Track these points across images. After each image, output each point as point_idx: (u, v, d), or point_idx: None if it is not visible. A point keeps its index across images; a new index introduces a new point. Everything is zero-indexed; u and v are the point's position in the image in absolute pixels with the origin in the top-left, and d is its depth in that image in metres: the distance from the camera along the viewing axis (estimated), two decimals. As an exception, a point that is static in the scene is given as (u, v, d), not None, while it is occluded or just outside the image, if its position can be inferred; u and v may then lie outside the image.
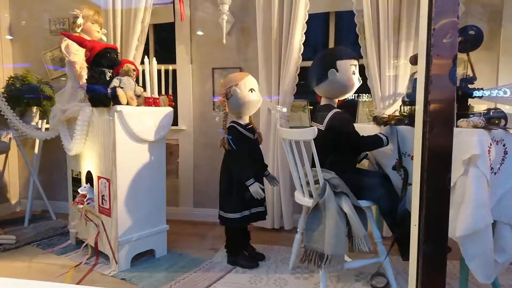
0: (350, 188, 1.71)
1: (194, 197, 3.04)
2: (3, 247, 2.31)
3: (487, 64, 2.43)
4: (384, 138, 1.83)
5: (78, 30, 2.39)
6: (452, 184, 1.38)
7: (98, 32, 2.46)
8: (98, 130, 2.10)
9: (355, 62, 1.92)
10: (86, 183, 2.22)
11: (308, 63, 2.06)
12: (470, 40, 1.67)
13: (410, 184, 1.67)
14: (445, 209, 0.98)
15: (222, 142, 2.01)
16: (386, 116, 2.02)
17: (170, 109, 2.24)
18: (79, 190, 2.19)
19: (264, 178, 2.16)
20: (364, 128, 2.07)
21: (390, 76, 2.43)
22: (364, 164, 2.20)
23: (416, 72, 1.87)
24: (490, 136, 1.40)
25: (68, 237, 2.47)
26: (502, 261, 1.49)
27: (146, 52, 2.86)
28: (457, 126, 1.50)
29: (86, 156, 2.22)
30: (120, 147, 1.99)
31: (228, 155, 2.05)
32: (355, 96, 2.82)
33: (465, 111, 1.62)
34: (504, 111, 1.53)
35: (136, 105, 2.05)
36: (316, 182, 1.76)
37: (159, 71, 2.25)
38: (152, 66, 2.17)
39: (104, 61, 2.02)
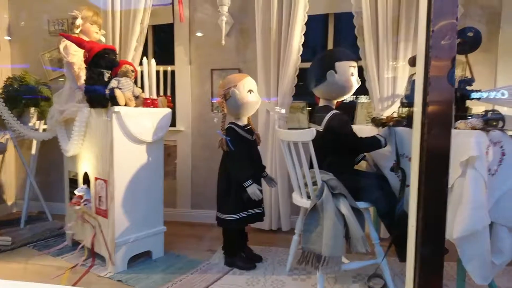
0: (348, 190, 1.71)
1: (192, 198, 3.03)
2: (-1, 248, 2.30)
3: (485, 66, 2.44)
4: (382, 139, 1.83)
5: (77, 31, 2.38)
6: (449, 186, 1.38)
7: (97, 33, 2.46)
8: (95, 131, 2.09)
9: (354, 63, 1.93)
10: (83, 184, 2.21)
11: (307, 65, 2.06)
12: (469, 42, 1.67)
13: (408, 186, 1.67)
14: (442, 211, 0.98)
15: (221, 143, 2.01)
16: (385, 117, 2.02)
17: (168, 110, 2.24)
18: (75, 191, 2.18)
19: (262, 179, 2.16)
20: (362, 129, 2.08)
21: (388, 78, 2.43)
22: (362, 165, 2.20)
23: (415, 73, 1.88)
24: (488, 137, 1.40)
25: (64, 238, 2.45)
26: (499, 262, 1.49)
27: (145, 53, 2.86)
28: (455, 128, 1.50)
29: (84, 157, 2.21)
30: (118, 148, 1.98)
31: (226, 156, 2.04)
32: (353, 97, 2.82)
33: (463, 113, 1.62)
34: (502, 113, 1.54)
35: (134, 106, 2.05)
36: (314, 183, 1.76)
37: (157, 72, 2.25)
38: (150, 67, 2.17)
39: (102, 62, 2.02)
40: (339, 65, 1.87)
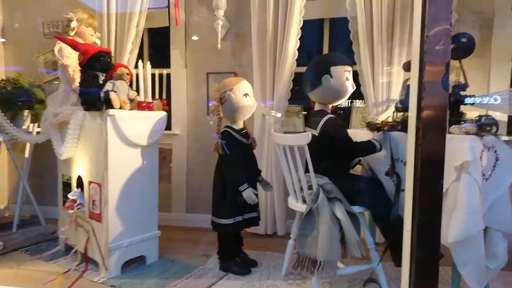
0: (344, 194, 1.71)
1: (187, 202, 3.02)
2: (-10, 253, 2.26)
3: (479, 71, 2.47)
4: (377, 144, 1.83)
5: (72, 33, 2.37)
6: (444, 190, 1.39)
7: (92, 35, 2.45)
8: (90, 134, 2.08)
9: (349, 68, 1.94)
10: (77, 188, 2.19)
11: (303, 69, 2.07)
12: (462, 47, 1.69)
13: (403, 190, 1.67)
14: (437, 215, 0.98)
15: (216, 147, 2.00)
16: (379, 122, 2.03)
17: (164, 113, 2.23)
18: (69, 195, 2.15)
19: (258, 183, 2.15)
20: (357, 134, 2.08)
21: (383, 83, 2.45)
22: (358, 169, 2.20)
23: (409, 78, 1.89)
24: (482, 142, 1.41)
25: (57, 243, 2.42)
26: (494, 267, 1.49)
27: (140, 56, 2.86)
28: (449, 133, 1.51)
29: (78, 160, 2.19)
30: (112, 151, 1.96)
31: (221, 160, 2.04)
32: (348, 102, 2.83)
33: (457, 118, 1.64)
34: (495, 118, 1.55)
35: (129, 109, 2.03)
36: (310, 187, 1.75)
37: (153, 75, 2.24)
38: (146, 70, 2.16)
39: (97, 64, 2.01)
40: (334, 69, 1.88)
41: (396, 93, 2.43)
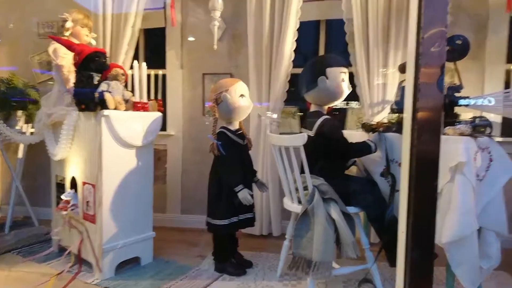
0: (339, 194, 1.71)
1: (182, 203, 3.01)
2: (-18, 255, 2.24)
3: (473, 73, 2.49)
4: (372, 145, 1.84)
5: (67, 34, 2.36)
6: (438, 191, 1.40)
7: (87, 36, 2.43)
8: (84, 135, 2.06)
9: (345, 69, 1.95)
10: (71, 189, 2.17)
11: (299, 70, 2.07)
12: (457, 49, 1.70)
13: (398, 191, 1.68)
14: (432, 216, 0.99)
15: (212, 147, 1.99)
16: (375, 123, 2.04)
17: (159, 114, 2.22)
18: (62, 196, 2.14)
19: (253, 184, 2.15)
20: (353, 135, 2.09)
21: (378, 84, 2.46)
22: (353, 170, 2.21)
23: (404, 80, 1.90)
24: (476, 143, 1.42)
25: (50, 244, 2.40)
26: (487, 267, 1.50)
27: (136, 56, 2.84)
28: (444, 134, 1.52)
29: (71, 161, 2.18)
30: (107, 152, 1.95)
31: (217, 161, 2.03)
32: (344, 103, 2.84)
33: (452, 119, 1.65)
34: (489, 120, 1.56)
35: (124, 110, 2.02)
36: (305, 188, 1.76)
37: (148, 76, 2.23)
38: (141, 71, 2.15)
39: (92, 65, 2.00)
40: (330, 71, 1.89)
41: (391, 95, 2.44)
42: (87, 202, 2.04)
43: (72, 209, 2.10)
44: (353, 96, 2.49)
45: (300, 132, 1.77)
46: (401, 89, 1.97)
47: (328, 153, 1.85)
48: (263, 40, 2.61)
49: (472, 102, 1.68)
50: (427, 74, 0.96)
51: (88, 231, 2.03)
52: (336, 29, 2.73)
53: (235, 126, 2.07)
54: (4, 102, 2.72)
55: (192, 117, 2.97)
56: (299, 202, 1.79)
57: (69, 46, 2.08)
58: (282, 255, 1.99)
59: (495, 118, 1.80)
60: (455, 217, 1.36)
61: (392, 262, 1.74)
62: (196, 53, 2.93)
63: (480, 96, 1.69)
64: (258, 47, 2.64)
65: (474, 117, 1.58)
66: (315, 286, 1.77)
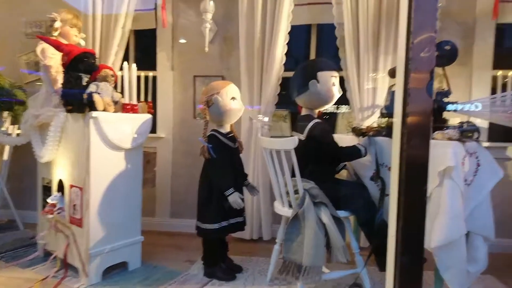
0: (329, 198, 1.72)
1: (171, 207, 2.97)
2: (-36, 259, 2.17)
3: (461, 78, 2.53)
4: (362, 149, 1.85)
5: (55, 34, 2.32)
6: (427, 195, 1.41)
7: (76, 36, 2.40)
8: (72, 136, 2.02)
9: (336, 74, 1.96)
10: (57, 192, 2.13)
11: (290, 74, 2.07)
12: (446, 55, 1.72)
13: (387, 195, 1.69)
14: (421, 220, 0.99)
15: (202, 150, 1.98)
16: (365, 127, 2.05)
17: (149, 116, 2.20)
18: (48, 199, 2.09)
19: (244, 187, 2.14)
20: (343, 138, 2.10)
21: (368, 89, 2.48)
22: (343, 174, 2.21)
23: (394, 85, 1.92)
24: (464, 148, 1.44)
25: (36, 248, 2.34)
26: (474, 271, 1.52)
27: (126, 58, 2.81)
28: (432, 138, 1.54)
29: (58, 163, 2.13)
30: (95, 154, 1.92)
31: (208, 164, 2.02)
32: (334, 107, 2.86)
33: (440, 124, 1.67)
34: (477, 125, 1.59)
35: (114, 112, 2.00)
36: (296, 192, 1.75)
37: (138, 78, 2.21)
38: (131, 72, 2.13)
39: (81, 65, 1.97)
40: (321, 75, 1.90)
41: (381, 99, 2.46)
42: (74, 205, 2.00)
43: (58, 213, 2.06)
44: (344, 100, 2.50)
45: (291, 136, 1.77)
46: (391, 94, 1.99)
47: (319, 156, 1.85)
48: (255, 43, 2.61)
49: (460, 107, 1.70)
50: (416, 79, 0.97)
51: (75, 235, 1.99)
52: (327, 34, 2.75)
53: (226, 129, 2.06)
54: (-10, 102, 2.66)
55: (183, 119, 2.95)
56: (290, 206, 1.78)
57: (58, 46, 2.05)
58: (272, 260, 1.98)
59: (482, 123, 1.83)
60: (443, 222, 1.37)
61: (382, 267, 1.74)
62: (187, 55, 2.91)
63: (468, 101, 1.72)
64: (250, 50, 2.63)
65: (462, 122, 1.60)
66: (305, 291, 1.77)
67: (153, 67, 2.95)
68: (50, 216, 2.06)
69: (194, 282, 1.99)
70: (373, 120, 2.45)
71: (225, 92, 1.97)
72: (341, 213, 1.73)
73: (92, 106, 1.89)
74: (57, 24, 2.30)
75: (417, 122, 0.97)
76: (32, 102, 2.38)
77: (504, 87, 2.44)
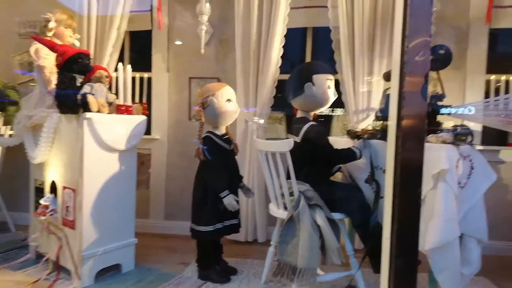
0: (324, 201, 1.72)
1: (166, 209, 2.96)
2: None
3: (455, 82, 2.56)
4: (357, 151, 1.85)
5: (50, 34, 2.30)
6: (421, 198, 1.42)
7: (71, 37, 2.38)
8: (65, 138, 2.00)
9: (331, 77, 1.96)
10: (50, 193, 2.11)
11: (286, 76, 2.08)
12: (440, 59, 1.74)
13: (382, 197, 1.70)
14: (416, 223, 1.00)
15: (197, 152, 1.97)
16: (360, 130, 2.06)
17: (143, 117, 2.19)
18: (41, 201, 2.07)
19: (239, 189, 2.13)
20: (338, 141, 2.10)
21: (363, 92, 2.49)
22: (338, 176, 2.22)
23: (389, 88, 1.93)
24: (458, 151, 1.45)
25: (27, 250, 2.31)
26: (468, 273, 1.53)
27: (121, 59, 2.80)
28: (426, 142, 1.55)
29: (51, 165, 2.11)
30: (88, 155, 1.90)
31: (203, 166, 2.01)
32: (330, 110, 2.87)
33: (434, 127, 1.68)
34: (470, 128, 1.60)
35: (108, 113, 1.98)
36: (291, 194, 1.75)
37: (133, 79, 2.20)
38: (126, 73, 2.12)
39: (75, 66, 1.96)
40: (316, 77, 1.90)
41: (376, 102, 2.47)
42: (67, 207, 1.98)
43: (51, 214, 2.03)
44: (339, 103, 2.51)
45: (287, 138, 1.77)
46: (386, 97, 2.00)
47: (314, 159, 1.86)
48: (251, 46, 2.61)
49: (453, 111, 1.71)
50: (411, 83, 0.97)
51: (68, 237, 1.97)
52: (323, 37, 2.76)
53: (221, 130, 2.06)
54: (-18, 103, 2.63)
55: (178, 121, 2.94)
56: (285, 208, 1.78)
57: (52, 46, 2.04)
58: (267, 262, 1.97)
59: (475, 126, 1.85)
60: (438, 224, 1.38)
61: (376, 269, 1.74)
62: (183, 56, 2.91)
63: (461, 105, 1.73)
64: (246, 52, 2.64)
65: (456, 126, 1.61)
66: (299, 293, 1.76)
67: (148, 68, 2.94)
68: (43, 218, 2.03)
69: (188, 285, 1.98)
70: (368, 123, 2.46)
71: (221, 94, 1.96)
72: (336, 215, 1.73)
73: (86, 107, 1.88)
74: (52, 24, 2.29)
75: (412, 125, 0.98)
76: (25, 102, 2.36)
77: (497, 91, 2.47)
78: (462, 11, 2.57)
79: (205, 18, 2.63)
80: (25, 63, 3.03)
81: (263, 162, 1.85)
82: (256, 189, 2.62)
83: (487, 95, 2.57)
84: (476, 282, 2.04)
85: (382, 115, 1.98)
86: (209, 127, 2.06)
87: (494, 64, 2.59)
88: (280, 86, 2.61)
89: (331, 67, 2.13)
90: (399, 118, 0.98)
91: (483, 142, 2.56)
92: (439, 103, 1.74)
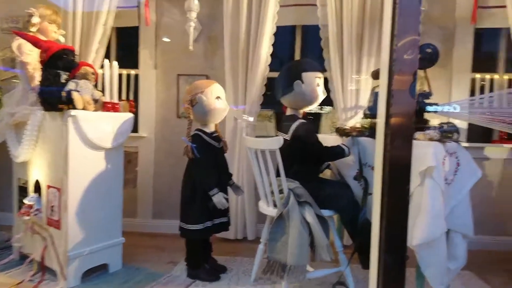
0: (313, 198, 1.72)
1: (154, 207, 2.92)
2: None
3: (441, 81, 2.60)
4: (346, 149, 1.87)
5: (33, 30, 2.24)
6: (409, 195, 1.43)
7: (55, 32, 2.32)
8: (49, 135, 1.95)
9: (320, 74, 1.97)
10: (34, 193, 2.05)
11: (275, 74, 2.08)
12: (427, 57, 1.76)
13: (370, 194, 1.71)
14: (404, 219, 1.01)
15: (186, 150, 1.95)
16: (348, 127, 2.07)
17: (130, 115, 2.15)
18: (25, 200, 2.01)
19: (229, 187, 2.12)
20: (327, 139, 2.11)
21: (352, 90, 2.51)
22: (327, 173, 2.23)
23: (377, 86, 1.95)
24: (445, 148, 1.48)
25: (11, 251, 2.25)
26: (454, 267, 1.56)
27: (107, 55, 2.75)
28: (414, 139, 1.56)
29: (35, 163, 2.06)
30: (73, 154, 1.86)
31: (191, 164, 1.99)
32: (318, 107, 2.88)
33: (421, 125, 1.70)
34: (456, 126, 1.63)
35: (94, 110, 1.94)
36: (281, 191, 1.75)
37: (120, 76, 2.16)
38: (112, 70, 2.08)
39: (60, 62, 1.92)
40: (305, 75, 1.90)
41: (364, 100, 2.49)
42: (52, 206, 1.93)
43: (35, 214, 1.98)
44: (327, 100, 2.53)
45: (276, 136, 1.77)
46: (374, 95, 2.02)
47: (304, 156, 1.86)
48: (240, 43, 2.59)
49: (440, 108, 1.74)
50: (400, 81, 0.98)
51: (53, 237, 1.92)
52: (312, 35, 2.77)
53: (210, 128, 2.04)
54: (-38, 100, 2.54)
55: (166, 118, 2.90)
56: (275, 205, 1.78)
57: (35, 42, 1.98)
58: (257, 259, 1.97)
59: (460, 124, 1.88)
60: (425, 220, 1.40)
61: (365, 264, 1.76)
62: (171, 53, 2.87)
63: (446, 103, 1.76)
64: (235, 49, 2.62)
65: (442, 123, 1.64)
66: (289, 290, 1.77)
67: (135, 65, 2.89)
68: (27, 217, 1.98)
69: (176, 284, 1.96)
70: (356, 120, 2.48)
71: (210, 91, 1.95)
72: (325, 212, 1.74)
73: (71, 104, 1.84)
74: (35, 19, 2.22)
75: (401, 123, 0.99)
76: (8, 99, 2.30)
77: (482, 90, 2.52)
78: (448, 11, 2.61)
79: (193, 14, 2.60)
80: (7, 59, 2.94)
81: (253, 160, 1.84)
82: (245, 187, 2.62)
83: (472, 93, 2.62)
84: (462, 276, 2.08)
85: (370, 113, 2.00)
86: (197, 125, 2.04)
87: (479, 63, 2.65)
88: (270, 84, 2.60)
89: (320, 65, 2.14)
90: (388, 116, 0.99)
91: (469, 139, 2.62)
92: (426, 101, 1.77)
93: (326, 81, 2.37)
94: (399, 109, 0.99)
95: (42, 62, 1.94)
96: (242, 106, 2.64)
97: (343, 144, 1.89)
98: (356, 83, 2.51)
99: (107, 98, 2.06)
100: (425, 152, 1.43)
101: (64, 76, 1.94)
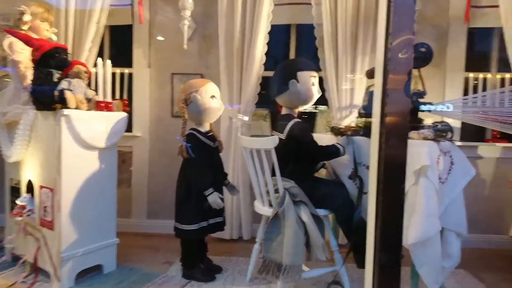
0: (309, 197, 1.72)
1: (148, 207, 2.91)
2: None
3: (435, 80, 2.62)
4: (341, 148, 1.87)
5: (25, 28, 2.21)
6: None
7: (48, 30, 2.29)
8: (42, 135, 1.93)
9: (315, 74, 1.97)
10: (27, 193, 2.03)
11: (270, 73, 2.07)
12: (421, 56, 1.77)
13: (365, 193, 1.72)
14: (399, 218, 1.01)
15: (180, 150, 1.94)
16: (343, 127, 2.08)
17: (124, 114, 2.13)
18: (17, 201, 1.99)
19: (224, 187, 2.11)
20: (322, 138, 2.11)
21: (347, 89, 2.52)
22: (322, 173, 2.23)
23: (372, 85, 1.95)
24: (439, 147, 1.48)
25: (3, 253, 2.22)
26: (448, 266, 1.57)
27: (100, 54, 2.72)
28: (408, 138, 1.57)
29: (28, 163, 2.03)
30: (66, 154, 1.84)
31: (186, 164, 1.98)
32: (313, 107, 2.88)
33: (416, 124, 1.71)
34: (450, 124, 1.64)
35: (87, 109, 1.93)
36: (276, 191, 1.75)
37: (113, 75, 2.14)
38: (106, 69, 2.06)
39: (52, 61, 1.90)
40: (300, 74, 1.90)
41: (359, 99, 2.50)
42: (45, 207, 1.91)
43: (28, 215, 1.96)
44: (322, 100, 2.53)
45: (271, 135, 1.76)
46: (369, 94, 2.02)
47: (299, 155, 1.86)
48: (234, 42, 2.58)
49: (433, 107, 1.75)
50: (395, 80, 0.98)
51: (46, 238, 1.90)
52: (307, 34, 2.77)
53: (205, 127, 2.03)
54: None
55: (160, 117, 2.89)
56: (270, 205, 1.78)
57: (27, 40, 1.96)
58: (252, 259, 1.97)
59: (455, 123, 1.89)
60: (420, 219, 1.40)
61: (360, 264, 1.77)
62: (165, 52, 2.85)
63: (440, 102, 1.77)
64: (229, 48, 2.61)
65: (436, 122, 1.65)
66: (284, 290, 1.77)
67: (129, 64, 2.87)
68: (19, 218, 1.96)
69: (172, 284, 1.95)
70: (351, 120, 2.48)
71: (205, 90, 1.93)
72: (321, 212, 1.74)
73: (63, 104, 1.81)
74: (27, 17, 2.19)
75: (395, 122, 0.99)
76: (-1, 99, 2.26)
77: (475, 89, 2.54)
78: (442, 10, 2.62)
79: (188, 13, 2.59)
80: (-2, 58, 2.90)
81: (248, 159, 1.83)
82: (241, 187, 2.61)
83: (466, 93, 2.64)
84: (456, 275, 2.10)
85: (365, 112, 2.00)
86: (192, 124, 2.02)
87: (473, 62, 2.67)
88: (264, 83, 2.59)
89: (315, 64, 2.14)
90: (383, 115, 0.99)
91: (462, 138, 2.64)
92: (420, 100, 1.78)
93: (321, 80, 2.37)
94: (394, 108, 0.99)
95: (34, 60, 1.92)
96: (237, 105, 2.63)
97: (338, 143, 1.89)
98: (351, 82, 2.52)
99: (100, 97, 2.04)
100: (419, 151, 1.44)
101: (56, 75, 1.92)
